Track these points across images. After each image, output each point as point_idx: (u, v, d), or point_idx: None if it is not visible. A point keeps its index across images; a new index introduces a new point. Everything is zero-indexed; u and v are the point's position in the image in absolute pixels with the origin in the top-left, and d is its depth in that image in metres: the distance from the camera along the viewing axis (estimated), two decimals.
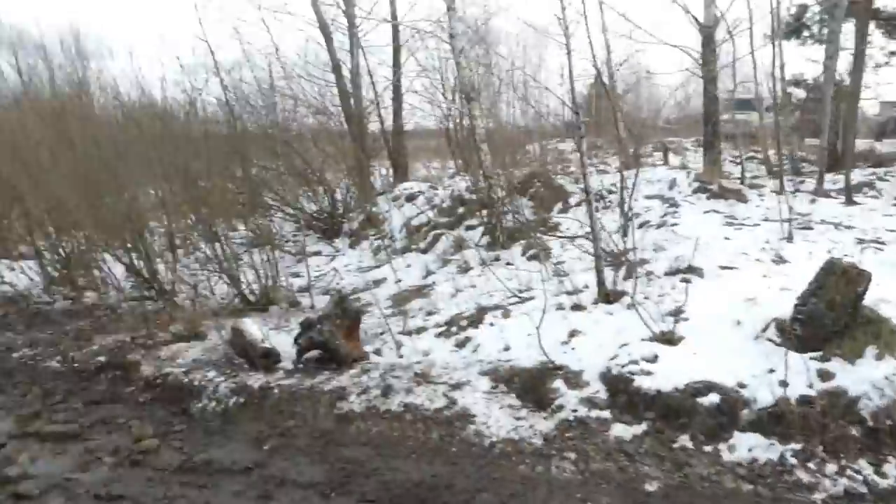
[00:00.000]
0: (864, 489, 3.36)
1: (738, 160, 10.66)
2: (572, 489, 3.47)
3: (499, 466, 3.76)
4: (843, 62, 11.04)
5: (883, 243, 6.52)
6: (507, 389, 4.49)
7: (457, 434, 4.14)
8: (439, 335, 5.44)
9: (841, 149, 10.59)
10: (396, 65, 12.18)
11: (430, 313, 6.01)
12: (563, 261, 6.73)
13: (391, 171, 12.08)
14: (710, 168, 9.95)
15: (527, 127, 14.52)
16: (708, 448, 3.76)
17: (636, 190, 7.40)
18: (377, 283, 7.33)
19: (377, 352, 5.31)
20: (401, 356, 5.15)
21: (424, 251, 8.19)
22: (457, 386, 4.57)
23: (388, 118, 12.26)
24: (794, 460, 3.58)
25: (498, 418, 4.22)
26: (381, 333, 5.56)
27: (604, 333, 4.88)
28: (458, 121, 11.53)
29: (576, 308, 5.38)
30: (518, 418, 4.21)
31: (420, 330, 5.61)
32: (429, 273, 7.49)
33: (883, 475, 3.44)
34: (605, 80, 10.97)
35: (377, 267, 7.95)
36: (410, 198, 9.72)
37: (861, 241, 6.56)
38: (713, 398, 3.96)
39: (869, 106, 16.08)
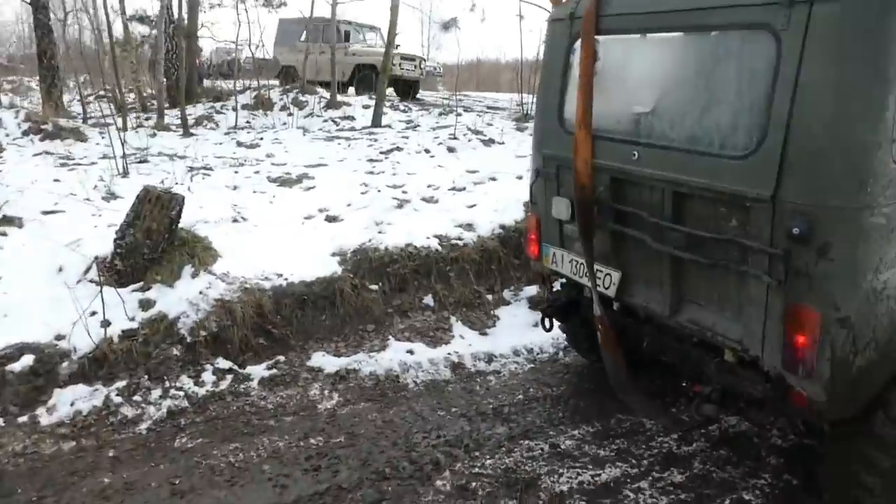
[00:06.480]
0: (185, 403, 4.00)
1: (80, 99, 12.10)
2: None
3: None
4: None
5: (211, 169, 7.88)
6: None
7: None
8: None
9: (184, 84, 12.41)
10: None
11: None
12: None
13: None
14: (49, 107, 10.75)
15: None
16: (23, 418, 3.72)
17: None
18: None
19: None
20: None
21: None
22: None
23: None
24: (118, 399, 3.91)
25: None
26: None
27: None
28: None
29: None
30: None
31: None
32: None
33: (201, 384, 4.18)
34: None
35: None
36: None
37: (192, 169, 7.68)
38: (26, 361, 3.90)
39: (208, 45, 16.34)
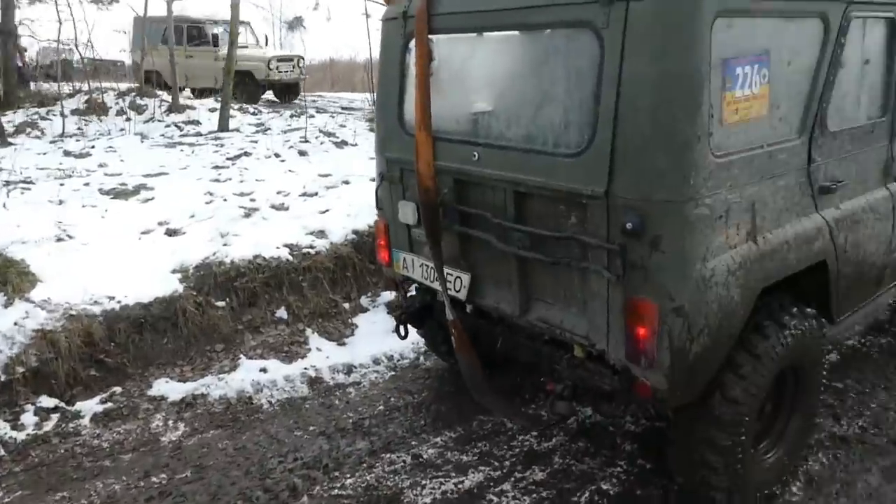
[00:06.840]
0: (0, 451, 3.57)
1: None
2: None
3: None
4: None
5: (32, 182, 7.18)
6: None
7: None
8: None
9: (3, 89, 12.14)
10: None
11: None
12: None
13: None
14: None
15: None
16: None
17: None
18: None
19: None
20: None
21: None
22: None
23: None
24: None
25: None
26: None
27: None
28: None
29: None
30: None
31: None
32: None
33: (21, 427, 3.79)
34: None
35: None
36: None
37: (8, 183, 6.93)
38: None
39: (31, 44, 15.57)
